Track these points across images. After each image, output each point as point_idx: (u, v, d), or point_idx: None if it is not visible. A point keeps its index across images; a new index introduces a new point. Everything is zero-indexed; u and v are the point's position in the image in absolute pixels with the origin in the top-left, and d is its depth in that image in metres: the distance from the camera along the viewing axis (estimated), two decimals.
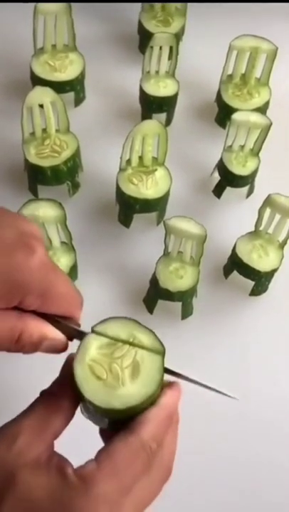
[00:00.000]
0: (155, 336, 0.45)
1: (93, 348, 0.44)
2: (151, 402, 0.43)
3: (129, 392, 0.42)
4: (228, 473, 0.64)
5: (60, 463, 0.41)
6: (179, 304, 0.69)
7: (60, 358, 0.46)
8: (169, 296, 0.68)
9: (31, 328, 0.43)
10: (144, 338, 0.45)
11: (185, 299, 0.69)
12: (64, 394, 0.44)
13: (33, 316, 0.43)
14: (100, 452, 0.41)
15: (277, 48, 0.78)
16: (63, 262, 0.67)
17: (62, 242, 0.68)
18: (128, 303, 0.72)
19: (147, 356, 0.44)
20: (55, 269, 0.45)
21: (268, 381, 0.69)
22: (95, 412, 0.44)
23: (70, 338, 0.45)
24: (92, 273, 0.73)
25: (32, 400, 0.45)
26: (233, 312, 0.73)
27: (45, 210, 0.64)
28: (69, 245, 0.68)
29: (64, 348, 0.45)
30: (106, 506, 0.39)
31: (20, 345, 0.43)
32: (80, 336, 0.45)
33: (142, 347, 0.45)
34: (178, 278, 0.67)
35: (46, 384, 0.45)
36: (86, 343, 0.44)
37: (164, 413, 0.43)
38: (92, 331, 0.45)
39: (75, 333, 0.46)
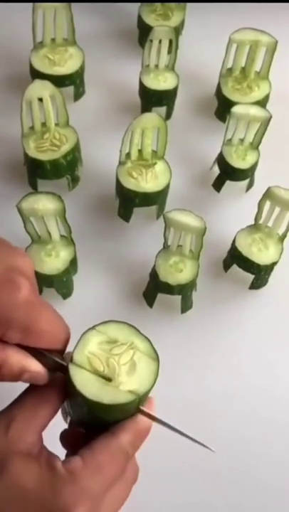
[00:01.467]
0: (151, 344, 0.46)
1: (93, 342, 0.45)
2: (136, 406, 0.44)
3: (120, 390, 0.43)
4: (232, 473, 0.64)
5: (49, 456, 0.43)
6: (179, 298, 0.69)
7: None
8: (168, 289, 0.68)
9: (12, 361, 0.43)
10: (141, 345, 0.46)
11: (185, 292, 0.69)
12: (53, 385, 0.45)
13: (16, 349, 0.44)
14: (84, 450, 0.43)
15: (276, 41, 0.78)
16: (63, 255, 0.67)
17: (62, 236, 0.68)
18: (128, 296, 0.72)
19: (144, 358, 0.45)
20: (40, 306, 0.45)
21: (267, 374, 0.69)
22: (79, 405, 0.44)
23: (53, 370, 0.46)
24: (91, 267, 0.73)
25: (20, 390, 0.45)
26: (233, 306, 0.73)
27: (44, 203, 0.64)
28: (68, 239, 0.68)
29: (44, 380, 0.45)
30: (89, 500, 0.41)
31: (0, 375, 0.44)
32: (62, 368, 0.45)
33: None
34: (177, 271, 0.67)
35: None
36: (86, 337, 0.45)
37: (143, 424, 0.45)
38: (94, 329, 0.45)
39: (56, 366, 0.46)
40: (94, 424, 0.45)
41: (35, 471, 0.41)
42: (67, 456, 0.49)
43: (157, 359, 0.45)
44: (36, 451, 0.43)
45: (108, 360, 0.44)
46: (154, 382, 0.44)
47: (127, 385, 0.43)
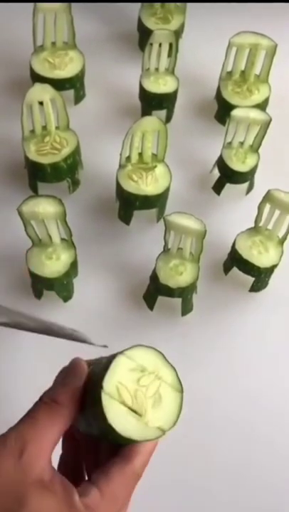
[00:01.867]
0: (177, 374, 0.44)
1: (122, 370, 0.43)
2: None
3: (150, 428, 0.42)
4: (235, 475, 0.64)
5: (66, 488, 0.41)
6: (179, 301, 0.69)
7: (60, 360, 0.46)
8: (169, 292, 0.68)
9: None
10: (168, 374, 0.44)
11: (185, 295, 0.69)
12: (68, 403, 0.43)
13: None
14: (99, 478, 0.42)
15: (276, 45, 0.78)
16: (63, 258, 0.68)
17: (63, 239, 0.68)
18: (128, 299, 0.72)
19: (170, 390, 0.44)
20: None
21: (268, 376, 0.69)
22: (99, 432, 0.43)
23: None
24: (92, 269, 0.73)
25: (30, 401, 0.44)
26: (233, 308, 0.73)
27: (45, 207, 0.64)
28: (69, 242, 0.68)
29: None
30: None
31: None
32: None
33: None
34: (178, 274, 0.68)
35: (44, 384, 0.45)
36: (116, 364, 0.43)
37: (153, 445, 0.45)
38: (123, 354, 0.44)
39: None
40: (103, 440, 0.45)
41: (54, 507, 0.39)
42: (61, 458, 0.48)
43: (181, 391, 0.44)
44: (49, 477, 0.41)
45: (136, 393, 0.43)
46: (179, 416, 0.43)
47: (154, 420, 0.42)
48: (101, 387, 0.41)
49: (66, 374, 0.44)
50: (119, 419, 0.41)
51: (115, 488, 0.42)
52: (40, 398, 0.44)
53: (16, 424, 0.42)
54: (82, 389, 0.44)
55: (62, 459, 0.49)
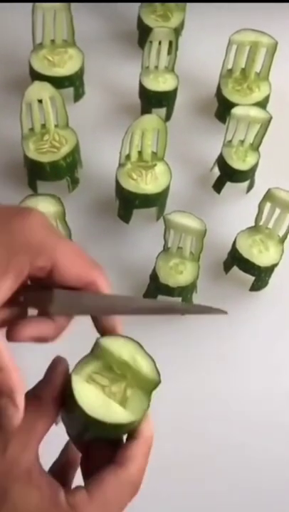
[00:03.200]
0: (155, 364, 0.44)
1: (98, 360, 0.43)
2: (139, 422, 0.43)
3: (122, 411, 0.42)
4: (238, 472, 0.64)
5: (52, 485, 0.40)
6: (179, 300, 0.69)
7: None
8: (169, 291, 0.68)
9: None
10: (144, 364, 0.44)
11: (185, 294, 0.69)
12: (49, 398, 0.43)
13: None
14: (91, 482, 0.41)
15: (277, 42, 0.78)
16: None
17: None
18: None
19: (143, 381, 0.43)
20: (57, 231, 0.43)
21: (268, 375, 0.69)
22: (79, 421, 0.43)
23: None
24: None
25: None
26: (233, 307, 0.72)
27: (44, 206, 0.64)
28: None
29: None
30: None
31: None
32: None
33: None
34: (178, 273, 0.67)
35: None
36: (85, 362, 0.43)
37: (148, 446, 0.43)
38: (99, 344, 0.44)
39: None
40: (91, 435, 0.44)
41: (37, 502, 0.39)
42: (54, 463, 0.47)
43: (158, 383, 0.43)
44: (35, 471, 0.40)
45: (109, 381, 0.43)
46: (148, 405, 0.43)
47: (128, 406, 0.42)
48: (73, 371, 0.42)
49: (47, 371, 0.44)
50: (87, 398, 0.41)
51: (107, 492, 0.40)
52: (24, 395, 0.43)
53: None
54: (64, 386, 0.43)
55: (56, 464, 0.48)
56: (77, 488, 0.41)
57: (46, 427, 0.42)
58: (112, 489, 0.41)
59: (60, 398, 0.43)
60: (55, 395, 0.43)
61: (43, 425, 0.42)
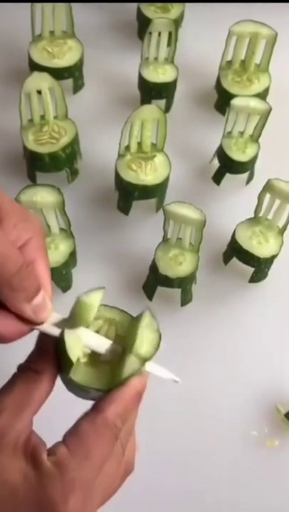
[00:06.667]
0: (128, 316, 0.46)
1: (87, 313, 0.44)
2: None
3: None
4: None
5: (36, 447, 0.40)
6: (179, 291, 0.69)
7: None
8: (168, 282, 0.68)
9: None
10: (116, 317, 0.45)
11: (184, 285, 0.68)
12: (44, 369, 0.43)
13: None
14: (69, 435, 0.41)
15: (276, 34, 0.78)
16: (62, 248, 0.67)
17: (61, 229, 0.68)
18: (127, 289, 0.72)
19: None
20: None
21: (266, 366, 0.69)
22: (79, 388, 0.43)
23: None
24: (91, 260, 0.73)
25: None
26: (233, 299, 0.72)
27: (43, 196, 0.64)
28: (68, 232, 0.68)
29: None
30: (80, 490, 0.39)
31: None
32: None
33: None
34: (177, 264, 0.67)
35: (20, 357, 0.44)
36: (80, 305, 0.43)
37: (131, 393, 0.42)
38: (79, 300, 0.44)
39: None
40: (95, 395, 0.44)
41: (21, 468, 0.39)
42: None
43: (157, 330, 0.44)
44: (23, 441, 0.40)
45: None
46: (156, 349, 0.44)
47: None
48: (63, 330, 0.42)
49: (38, 341, 0.44)
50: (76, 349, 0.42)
51: (85, 442, 0.40)
52: (18, 369, 0.43)
53: None
54: (55, 353, 0.43)
55: None
56: (57, 444, 0.41)
57: (42, 398, 0.42)
58: (90, 438, 0.40)
59: (55, 368, 0.43)
60: (49, 364, 0.43)
61: (38, 397, 0.42)
